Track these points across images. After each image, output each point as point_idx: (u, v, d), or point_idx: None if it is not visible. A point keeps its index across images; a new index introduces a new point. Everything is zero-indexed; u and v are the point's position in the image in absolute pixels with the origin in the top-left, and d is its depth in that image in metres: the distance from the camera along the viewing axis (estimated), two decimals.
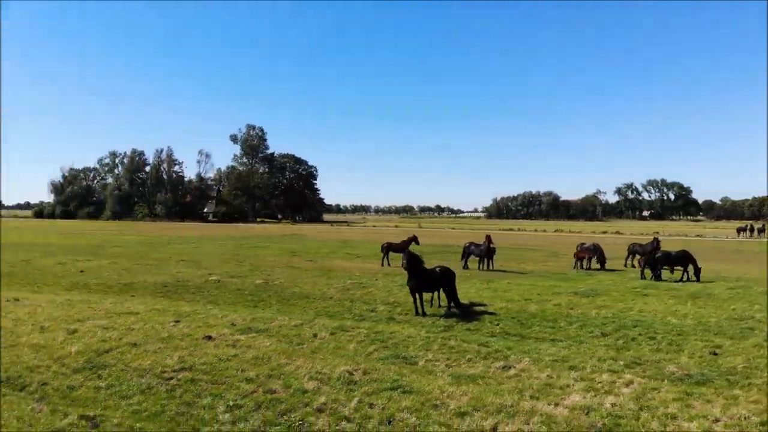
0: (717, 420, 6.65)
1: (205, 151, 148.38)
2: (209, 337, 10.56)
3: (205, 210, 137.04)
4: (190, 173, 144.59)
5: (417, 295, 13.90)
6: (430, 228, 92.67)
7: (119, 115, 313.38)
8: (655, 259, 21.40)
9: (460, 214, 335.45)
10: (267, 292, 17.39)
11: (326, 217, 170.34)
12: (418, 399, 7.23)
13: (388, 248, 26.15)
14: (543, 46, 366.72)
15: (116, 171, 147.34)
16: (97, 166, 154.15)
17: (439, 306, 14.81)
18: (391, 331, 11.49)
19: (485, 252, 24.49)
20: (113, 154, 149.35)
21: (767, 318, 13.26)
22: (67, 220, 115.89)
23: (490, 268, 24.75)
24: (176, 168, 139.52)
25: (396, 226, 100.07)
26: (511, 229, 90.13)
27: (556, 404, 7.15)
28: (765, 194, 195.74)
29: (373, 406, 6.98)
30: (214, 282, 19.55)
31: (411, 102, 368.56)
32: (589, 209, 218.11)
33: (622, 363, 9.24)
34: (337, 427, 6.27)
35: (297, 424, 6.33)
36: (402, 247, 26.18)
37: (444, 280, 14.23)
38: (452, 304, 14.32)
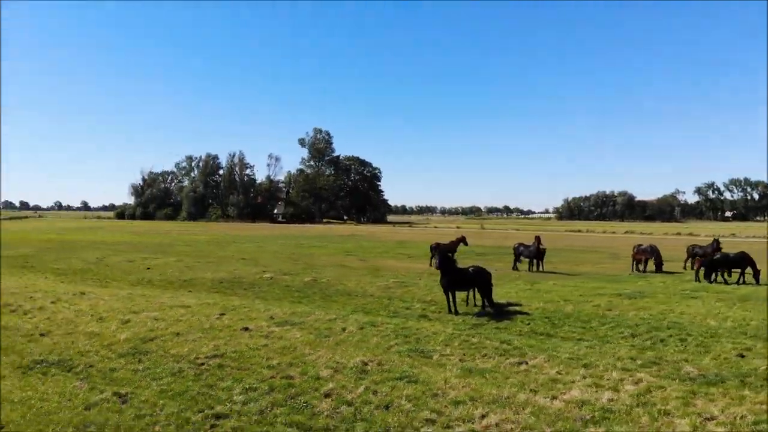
0: (711, 418, 6.64)
1: (274, 155, 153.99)
2: (246, 329, 11.37)
3: (275, 211, 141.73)
4: (260, 176, 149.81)
5: (449, 294, 14.19)
6: (492, 229, 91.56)
7: (196, 122, 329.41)
8: (713, 261, 20.56)
9: (530, 216, 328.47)
10: (313, 288, 18.21)
11: (390, 218, 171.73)
12: (420, 388, 7.63)
13: (436, 248, 26.36)
14: (622, 42, 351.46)
15: (192, 174, 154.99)
16: (175, 169, 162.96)
17: (474, 305, 15.01)
18: (418, 328, 11.87)
19: (534, 253, 24.30)
20: (189, 158, 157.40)
21: None
22: (146, 221, 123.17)
23: (540, 269, 24.52)
24: (248, 171, 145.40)
25: (457, 227, 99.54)
26: (579, 231, 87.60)
27: (554, 398, 7.34)
28: None
29: (376, 393, 7.45)
30: (267, 279, 20.63)
31: (478, 101, 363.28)
32: (667, 210, 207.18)
33: (639, 362, 9.22)
34: (336, 410, 6.78)
35: (301, 405, 6.90)
36: (450, 248, 26.47)
37: (477, 279, 14.45)
38: (486, 303, 14.52)
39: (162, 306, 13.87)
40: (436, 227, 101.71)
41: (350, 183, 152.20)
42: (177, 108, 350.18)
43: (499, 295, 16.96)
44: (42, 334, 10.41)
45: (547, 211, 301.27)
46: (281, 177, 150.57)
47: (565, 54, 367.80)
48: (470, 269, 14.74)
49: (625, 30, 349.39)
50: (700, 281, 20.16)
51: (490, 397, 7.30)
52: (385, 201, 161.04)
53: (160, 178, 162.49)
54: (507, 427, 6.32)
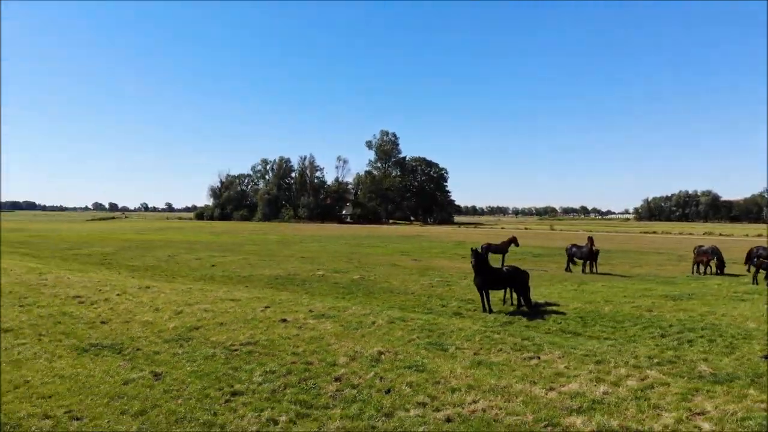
0: (701, 413, 6.77)
1: (343, 158, 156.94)
2: (284, 320, 12.29)
3: (343, 212, 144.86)
4: (329, 178, 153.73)
5: (483, 293, 14.52)
6: (561, 231, 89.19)
7: (270, 126, 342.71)
8: None
9: (607, 216, 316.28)
10: (358, 286, 19.01)
11: (458, 219, 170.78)
12: (424, 377, 8.18)
13: (487, 249, 26.57)
14: (714, 37, 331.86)
15: (267, 177, 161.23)
16: (251, 172, 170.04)
17: (511, 304, 15.23)
18: (447, 324, 12.34)
19: (587, 254, 23.95)
20: (264, 162, 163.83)
21: None
22: (223, 222, 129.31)
23: (594, 270, 24.12)
24: (318, 173, 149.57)
25: (526, 228, 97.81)
26: (654, 232, 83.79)
27: (551, 389, 7.67)
28: None
29: (383, 379, 8.06)
30: (319, 276, 21.67)
31: (555, 98, 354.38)
32: (754, 210, 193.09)
33: (655, 361, 9.29)
34: (340, 392, 7.46)
35: (310, 387, 7.63)
36: (501, 248, 26.61)
37: (511, 279, 14.70)
38: (522, 302, 14.74)
39: (215, 299, 15.08)
40: (503, 228, 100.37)
41: (416, 184, 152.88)
42: (256, 114, 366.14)
43: (543, 295, 17.13)
44: (102, 322, 11.78)
45: (626, 212, 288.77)
46: (349, 179, 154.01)
47: (651, 49, 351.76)
48: (505, 269, 15.02)
49: (719, 27, 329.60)
50: (757, 284, 19.26)
51: (487, 386, 7.73)
52: (452, 201, 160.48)
53: (237, 180, 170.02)
54: (493, 412, 6.75)
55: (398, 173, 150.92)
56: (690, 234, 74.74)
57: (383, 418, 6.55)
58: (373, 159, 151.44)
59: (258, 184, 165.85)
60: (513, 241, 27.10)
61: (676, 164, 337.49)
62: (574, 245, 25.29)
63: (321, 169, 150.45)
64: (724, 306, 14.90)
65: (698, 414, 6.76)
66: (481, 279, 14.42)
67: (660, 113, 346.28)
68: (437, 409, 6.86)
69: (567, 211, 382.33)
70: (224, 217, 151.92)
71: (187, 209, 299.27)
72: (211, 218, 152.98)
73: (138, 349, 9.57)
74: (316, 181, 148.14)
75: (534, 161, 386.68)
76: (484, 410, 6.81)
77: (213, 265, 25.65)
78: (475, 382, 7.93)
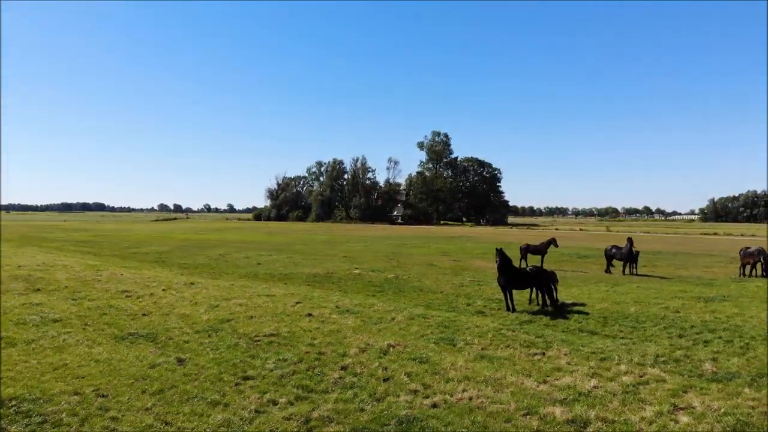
0: (686, 408, 6.95)
1: (394, 159, 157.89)
2: (310, 315, 13.02)
3: (394, 213, 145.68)
4: (381, 179, 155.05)
5: (506, 292, 14.78)
6: (618, 232, 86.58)
7: (328, 128, 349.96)
8: None
9: (671, 218, 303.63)
10: (391, 284, 19.58)
11: (513, 220, 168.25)
12: (425, 368, 8.67)
13: (526, 250, 26.59)
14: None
15: (321, 179, 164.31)
16: (306, 174, 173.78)
17: (537, 304, 15.37)
18: (466, 321, 12.73)
19: (626, 255, 23.57)
20: (319, 164, 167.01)
21: None
22: (279, 222, 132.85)
23: (634, 272, 23.71)
24: (369, 175, 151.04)
25: (581, 229, 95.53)
26: (715, 233, 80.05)
27: (544, 382, 8.00)
28: None
29: (386, 369, 8.61)
30: (355, 275, 22.37)
31: (618, 98, 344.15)
32: None
33: (661, 359, 9.42)
34: (342, 379, 8.05)
35: (316, 374, 8.27)
36: (540, 249, 26.51)
37: (536, 279, 14.89)
38: (547, 302, 14.91)
39: (252, 295, 16.00)
40: (557, 229, 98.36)
41: (468, 184, 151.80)
42: (314, 117, 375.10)
43: (573, 295, 17.17)
44: (144, 314, 12.86)
45: (692, 213, 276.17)
46: (401, 180, 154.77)
47: (731, 47, 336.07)
48: (529, 269, 15.23)
49: None
50: None
51: (482, 378, 8.15)
52: (505, 202, 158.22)
53: (293, 182, 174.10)
54: (478, 401, 7.17)
55: (450, 174, 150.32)
56: (753, 236, 70.95)
57: (374, 402, 7.10)
58: (424, 160, 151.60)
59: (313, 186, 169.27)
60: (552, 242, 26.91)
61: (747, 164, 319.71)
62: (613, 246, 24.92)
63: (373, 171, 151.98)
64: (755, 308, 14.55)
65: (681, 409, 6.95)
66: (505, 279, 14.70)
67: (732, 112, 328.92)
68: (427, 396, 7.34)
69: (629, 211, 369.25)
70: (280, 217, 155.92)
71: (247, 210, 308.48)
72: (268, 219, 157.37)
73: (170, 339, 10.51)
74: (367, 182, 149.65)
75: (598, 161, 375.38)
76: (470, 398, 7.24)
77: (259, 264, 26.85)
78: (472, 374, 8.36)
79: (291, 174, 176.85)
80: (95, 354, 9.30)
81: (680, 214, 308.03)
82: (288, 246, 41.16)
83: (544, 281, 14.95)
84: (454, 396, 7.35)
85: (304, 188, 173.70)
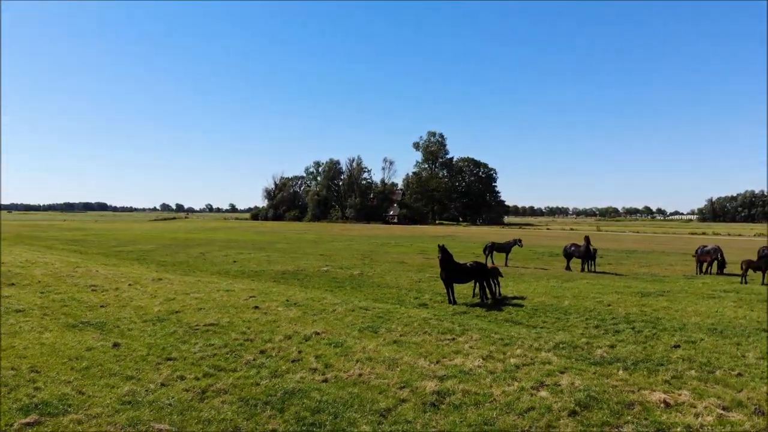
0: (550, 385, 7.82)
1: (389, 159, 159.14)
2: (257, 307, 13.91)
3: (391, 213, 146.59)
4: (377, 179, 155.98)
5: (448, 286, 15.69)
6: (607, 232, 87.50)
7: (329, 130, 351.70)
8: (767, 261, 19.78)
9: (670, 217, 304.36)
10: (353, 280, 20.48)
11: (509, 219, 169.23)
12: (337, 351, 9.60)
13: (491, 248, 27.52)
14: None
15: (318, 178, 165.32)
16: (304, 174, 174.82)
17: (479, 296, 16.25)
18: (402, 312, 13.62)
19: (583, 253, 24.48)
20: (317, 164, 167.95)
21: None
22: (275, 222, 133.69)
23: (591, 269, 24.60)
24: (365, 175, 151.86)
25: (571, 229, 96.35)
26: (703, 233, 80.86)
27: (437, 362, 8.92)
28: None
29: (300, 352, 9.51)
30: (323, 272, 23.26)
31: (622, 98, 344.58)
32: None
33: (562, 346, 10.32)
34: (254, 360, 8.96)
35: (233, 355, 9.19)
36: (504, 247, 27.43)
37: (476, 274, 15.80)
38: (487, 295, 15.84)
39: (212, 290, 16.87)
40: (548, 229, 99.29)
41: (464, 184, 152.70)
42: (315, 118, 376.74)
43: (521, 290, 18.09)
44: (102, 306, 13.80)
45: (693, 213, 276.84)
46: (396, 180, 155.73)
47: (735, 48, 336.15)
48: (469, 264, 16.11)
49: None
50: (746, 283, 19.48)
51: (382, 358, 9.08)
52: (501, 202, 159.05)
53: (290, 182, 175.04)
54: (365, 377, 8.08)
55: (445, 174, 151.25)
56: (739, 236, 71.78)
57: (271, 378, 8.02)
58: (420, 160, 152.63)
59: (310, 186, 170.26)
60: (517, 242, 27.76)
61: (751, 164, 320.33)
62: (572, 245, 25.84)
63: (368, 171, 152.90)
64: (687, 303, 15.49)
65: (546, 386, 7.85)
66: (446, 273, 15.61)
67: (733, 112, 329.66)
68: (322, 374, 8.26)
69: (630, 211, 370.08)
70: (277, 217, 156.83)
71: (249, 210, 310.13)
72: (266, 218, 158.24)
73: (117, 327, 11.44)
74: (363, 182, 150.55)
75: (602, 162, 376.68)
76: (360, 375, 8.15)
77: (234, 261, 27.76)
78: (375, 355, 9.27)
79: (289, 174, 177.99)
80: (43, 339, 10.23)
81: (682, 214, 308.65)
82: (271, 245, 42.03)
83: (484, 276, 15.85)
84: (347, 373, 8.25)
85: (302, 188, 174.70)
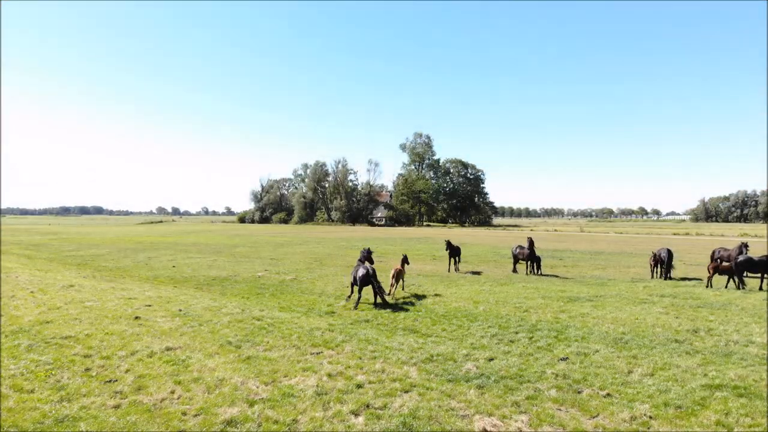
0: (362, 409, 6.92)
1: (374, 161, 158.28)
2: (137, 318, 12.90)
3: (378, 215, 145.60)
4: (362, 181, 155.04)
5: (354, 290, 14.91)
6: (591, 232, 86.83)
7: (327, 130, 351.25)
8: (738, 264, 19.00)
9: (662, 218, 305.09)
10: (282, 286, 19.63)
11: (498, 221, 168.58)
12: (167, 368, 8.62)
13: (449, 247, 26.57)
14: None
15: (306, 180, 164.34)
16: (292, 176, 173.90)
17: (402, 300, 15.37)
18: (296, 322, 12.68)
19: (527, 256, 23.63)
20: (305, 166, 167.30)
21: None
22: (259, 225, 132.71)
23: (536, 272, 23.73)
24: (351, 177, 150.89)
25: (555, 230, 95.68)
26: (686, 234, 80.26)
27: (270, 383, 7.95)
28: None
29: (128, 371, 8.51)
30: (257, 277, 22.28)
31: (620, 96, 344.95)
32: None
33: (433, 359, 9.54)
34: (66, 376, 7.99)
35: (47, 374, 8.19)
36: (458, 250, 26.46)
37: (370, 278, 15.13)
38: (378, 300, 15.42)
39: (114, 297, 15.83)
40: (531, 230, 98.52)
41: (452, 185, 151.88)
42: (311, 120, 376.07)
43: (448, 294, 17.35)
44: None
45: (686, 213, 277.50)
46: (385, 182, 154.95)
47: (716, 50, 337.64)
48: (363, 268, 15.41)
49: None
50: (711, 287, 18.85)
51: (209, 378, 8.08)
52: (490, 203, 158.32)
53: (277, 185, 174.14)
54: (166, 402, 7.10)
55: (432, 175, 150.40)
56: (721, 236, 71.13)
57: (58, 402, 7.03)
58: (406, 161, 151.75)
59: (298, 188, 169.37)
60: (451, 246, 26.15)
61: (748, 164, 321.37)
62: (518, 246, 24.98)
63: (354, 173, 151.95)
64: (611, 308, 14.84)
65: (370, 408, 7.02)
66: (354, 278, 14.81)
67: (734, 111, 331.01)
68: (123, 397, 7.27)
69: (625, 212, 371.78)
70: (264, 220, 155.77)
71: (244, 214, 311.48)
72: (252, 221, 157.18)
73: None
74: (349, 184, 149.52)
75: (599, 164, 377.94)
76: (163, 400, 7.18)
77: (174, 266, 26.74)
78: (208, 375, 8.30)
79: (276, 176, 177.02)
80: None
81: (678, 214, 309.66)
82: (229, 249, 40.92)
83: (376, 281, 15.14)
84: (152, 397, 7.27)
85: (290, 190, 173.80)
